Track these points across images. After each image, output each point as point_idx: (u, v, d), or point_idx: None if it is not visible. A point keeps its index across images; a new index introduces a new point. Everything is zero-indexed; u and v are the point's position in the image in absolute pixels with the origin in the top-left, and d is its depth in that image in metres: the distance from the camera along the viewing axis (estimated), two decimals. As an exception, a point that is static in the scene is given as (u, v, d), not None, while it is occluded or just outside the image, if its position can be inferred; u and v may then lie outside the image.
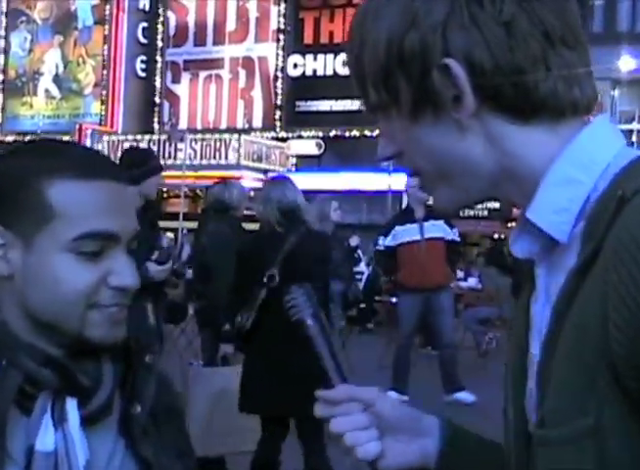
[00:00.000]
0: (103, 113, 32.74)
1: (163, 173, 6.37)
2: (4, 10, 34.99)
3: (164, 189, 26.84)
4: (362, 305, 18.22)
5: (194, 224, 8.84)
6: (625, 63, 26.90)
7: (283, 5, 30.32)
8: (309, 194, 8.62)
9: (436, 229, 10.29)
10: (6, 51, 34.95)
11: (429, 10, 1.24)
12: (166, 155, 27.54)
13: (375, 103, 1.32)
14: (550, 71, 1.24)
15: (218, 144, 28.17)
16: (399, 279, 10.67)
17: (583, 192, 1.22)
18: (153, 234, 6.17)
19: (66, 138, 26.27)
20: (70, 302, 1.43)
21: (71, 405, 1.45)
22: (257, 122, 31.13)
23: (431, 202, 1.39)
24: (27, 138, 32.36)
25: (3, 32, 35.05)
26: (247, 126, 30.86)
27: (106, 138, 30.04)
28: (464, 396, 9.96)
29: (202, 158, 27.78)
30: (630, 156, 1.24)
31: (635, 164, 1.22)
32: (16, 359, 1.43)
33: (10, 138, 33.75)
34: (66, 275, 1.43)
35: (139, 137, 29.57)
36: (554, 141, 1.26)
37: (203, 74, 32.39)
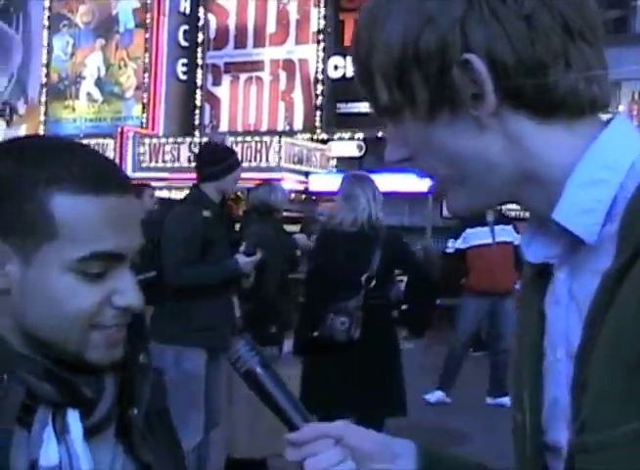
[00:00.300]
0: (144, 115, 32.87)
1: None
2: (47, 14, 35.27)
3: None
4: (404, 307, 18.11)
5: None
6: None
7: (323, 7, 30.31)
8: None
9: (507, 233, 10.27)
10: (49, 55, 35.23)
11: (444, 7, 1.21)
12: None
13: (386, 105, 1.30)
14: (570, 68, 1.21)
15: (259, 146, 28.18)
16: (468, 282, 10.63)
17: (610, 192, 1.21)
18: (231, 229, 6.17)
19: (108, 141, 26.28)
20: (71, 322, 1.38)
21: (73, 417, 1.41)
22: (298, 124, 31.09)
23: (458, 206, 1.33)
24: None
25: (46, 36, 35.32)
26: (287, 128, 30.84)
27: (147, 141, 30.17)
28: (508, 400, 9.91)
29: (242, 160, 27.70)
30: None
31: None
32: (15, 374, 1.37)
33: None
34: (68, 295, 1.37)
35: (180, 140, 29.65)
36: (574, 140, 1.24)
37: (243, 77, 32.42)
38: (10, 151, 1.43)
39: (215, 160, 6.37)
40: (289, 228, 7.73)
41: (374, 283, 5.69)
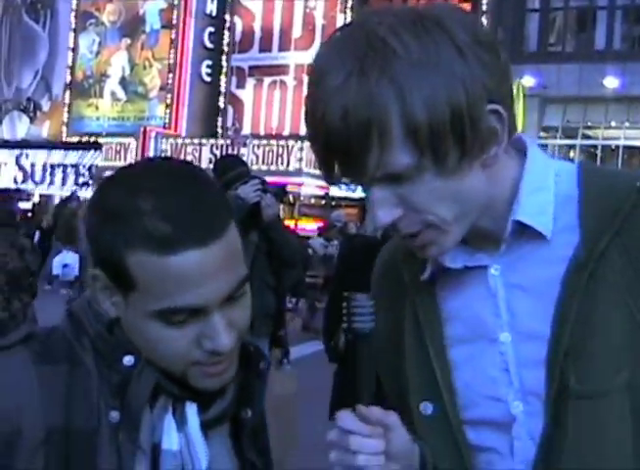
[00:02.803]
0: (167, 116, 33.00)
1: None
2: (74, 12, 35.45)
3: (226, 193, 26.85)
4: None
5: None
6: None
7: (350, 13, 30.34)
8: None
9: None
10: (74, 53, 35.40)
11: (461, 64, 1.33)
12: (229, 159, 27.64)
13: (401, 168, 1.34)
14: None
15: (281, 150, 28.23)
16: None
17: (551, 196, 1.49)
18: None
19: (131, 141, 26.40)
20: (167, 361, 1.40)
21: (191, 410, 1.45)
22: (320, 129, 31.14)
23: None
24: (92, 139, 32.91)
25: (72, 34, 35.51)
26: (309, 133, 30.88)
27: (169, 141, 30.27)
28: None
29: (263, 163, 27.86)
30: (563, 163, 1.55)
31: (594, 168, 1.55)
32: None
33: (75, 139, 34.20)
34: (157, 339, 1.38)
35: (203, 141, 29.75)
36: (512, 161, 1.49)
37: (267, 80, 32.52)
38: (95, 201, 1.43)
39: (223, 169, 6.35)
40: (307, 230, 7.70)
41: None
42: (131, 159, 26.96)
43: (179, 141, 30.64)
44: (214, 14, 33.42)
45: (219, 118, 33.21)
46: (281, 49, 32.35)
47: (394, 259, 1.63)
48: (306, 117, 1.40)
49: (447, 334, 1.55)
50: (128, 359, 1.42)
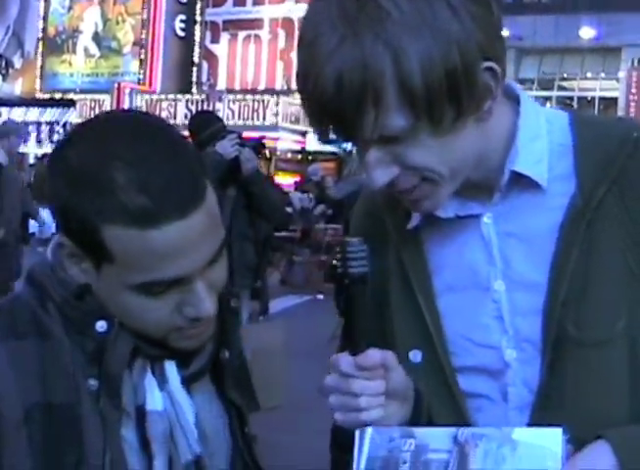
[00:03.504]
0: (141, 72, 32.72)
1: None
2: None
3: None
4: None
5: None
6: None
7: (324, -35, 30.07)
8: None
9: None
10: (46, 9, 34.97)
11: (455, 24, 1.32)
12: (204, 115, 27.50)
13: (396, 129, 1.34)
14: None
15: (256, 105, 28.10)
16: None
17: (545, 144, 1.50)
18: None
19: (105, 97, 26.11)
20: (148, 329, 1.38)
21: (171, 368, 1.43)
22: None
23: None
24: (66, 96, 32.57)
25: (43, -10, 35.07)
26: (285, 88, 30.73)
27: (145, 97, 30.05)
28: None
29: (239, 118, 27.73)
30: (551, 110, 1.56)
31: (587, 117, 1.59)
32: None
33: (48, 96, 33.87)
34: (136, 311, 1.35)
35: (178, 97, 29.57)
36: (504, 110, 1.49)
37: (242, 35, 32.27)
38: (56, 161, 1.35)
39: (199, 127, 6.31)
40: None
41: None
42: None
43: (154, 97, 30.43)
44: (187, -33, 33.06)
45: (194, 74, 32.95)
46: (255, 3, 32.05)
47: (375, 206, 1.63)
48: (298, 80, 1.37)
49: (436, 283, 1.56)
50: (101, 325, 1.38)
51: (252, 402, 1.62)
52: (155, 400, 1.41)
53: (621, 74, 27.06)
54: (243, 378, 1.61)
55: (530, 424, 1.48)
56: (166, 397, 1.42)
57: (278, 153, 27.77)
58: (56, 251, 1.42)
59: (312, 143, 27.26)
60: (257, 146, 6.74)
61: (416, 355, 1.55)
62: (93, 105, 30.59)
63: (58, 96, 33.57)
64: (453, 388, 1.54)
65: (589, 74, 28.28)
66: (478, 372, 1.54)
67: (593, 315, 1.45)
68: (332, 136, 1.41)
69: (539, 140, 1.50)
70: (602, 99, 28.33)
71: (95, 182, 1.28)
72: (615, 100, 28.12)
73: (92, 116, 1.50)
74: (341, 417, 1.41)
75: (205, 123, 6.41)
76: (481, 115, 1.40)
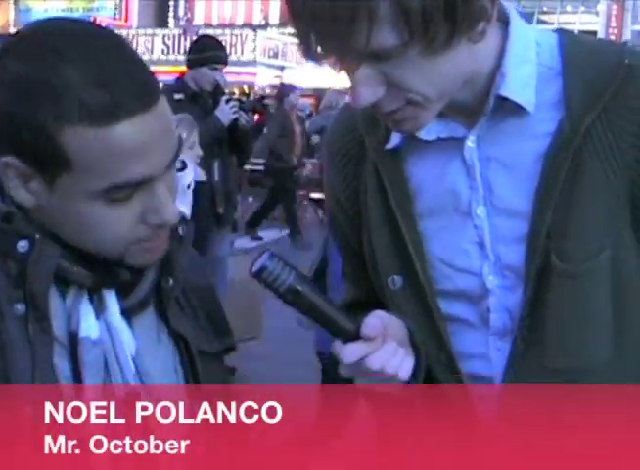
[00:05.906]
0: (117, 6, 32.31)
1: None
2: None
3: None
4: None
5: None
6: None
7: None
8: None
9: None
10: (19, -59, 34.40)
11: None
12: (181, 50, 27.25)
13: (387, 46, 1.31)
14: None
15: (234, 40, 27.82)
16: None
17: (534, 68, 1.46)
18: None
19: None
20: (105, 244, 1.30)
21: (110, 296, 1.35)
22: (274, 19, 30.68)
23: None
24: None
25: None
26: (263, 22, 30.46)
27: (121, 32, 29.73)
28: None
29: (217, 53, 27.47)
30: (542, 31, 1.53)
31: (576, 39, 1.51)
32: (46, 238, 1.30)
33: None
34: (97, 222, 1.28)
35: (155, 32, 29.23)
36: (494, 31, 1.44)
37: (219, -32, 31.89)
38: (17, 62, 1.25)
39: (194, 49, 6.51)
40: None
41: None
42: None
43: (131, 32, 30.10)
44: None
45: (171, 9, 32.56)
46: None
47: (354, 124, 1.60)
48: None
49: (416, 206, 1.54)
50: (22, 245, 1.28)
51: (226, 336, 1.57)
52: (89, 327, 1.32)
53: (601, 8, 26.93)
54: (213, 310, 1.56)
55: (512, 352, 1.48)
56: (103, 325, 1.34)
57: (256, 88, 27.60)
58: None
59: (290, 78, 27.12)
60: (258, 105, 6.97)
61: (396, 281, 1.55)
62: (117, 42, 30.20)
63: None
64: (434, 311, 1.53)
65: (569, 8, 28.12)
66: (458, 297, 1.54)
67: (577, 246, 1.44)
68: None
69: (527, 64, 1.47)
70: (582, 32, 28.17)
71: (47, 86, 1.22)
72: (594, 33, 28.04)
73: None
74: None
75: (210, 46, 6.61)
76: (474, 36, 1.36)
